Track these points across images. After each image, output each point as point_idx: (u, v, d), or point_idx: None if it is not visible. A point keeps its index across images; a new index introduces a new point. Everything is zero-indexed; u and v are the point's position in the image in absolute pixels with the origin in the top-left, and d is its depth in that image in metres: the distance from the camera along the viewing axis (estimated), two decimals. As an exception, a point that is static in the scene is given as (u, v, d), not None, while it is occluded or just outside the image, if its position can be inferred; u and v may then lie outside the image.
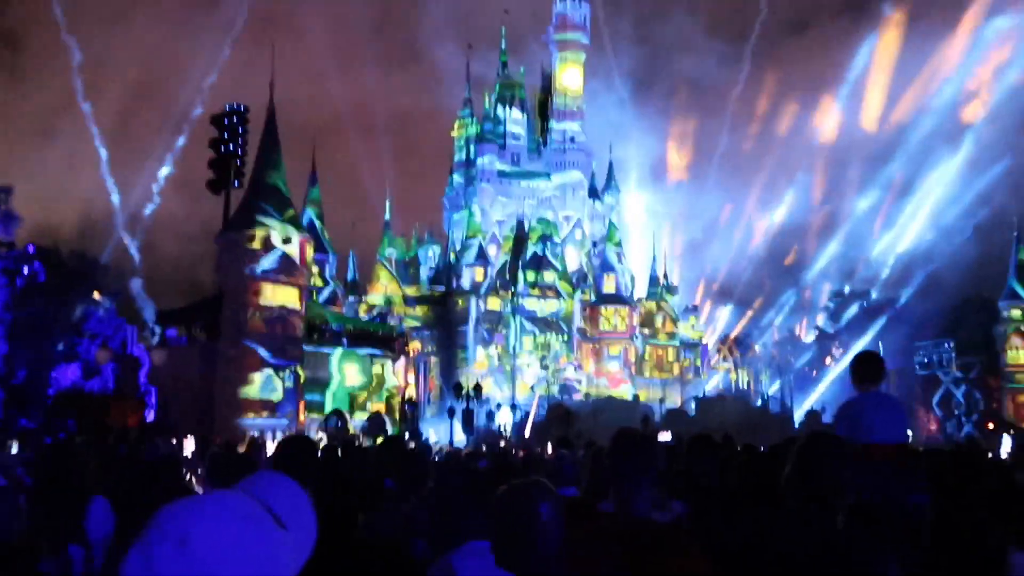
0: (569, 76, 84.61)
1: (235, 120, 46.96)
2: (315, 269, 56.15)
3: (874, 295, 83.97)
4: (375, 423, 49.29)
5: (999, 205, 74.93)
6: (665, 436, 19.26)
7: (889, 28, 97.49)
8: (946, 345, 71.18)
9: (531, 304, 72.46)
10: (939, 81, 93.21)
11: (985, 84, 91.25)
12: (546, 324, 72.37)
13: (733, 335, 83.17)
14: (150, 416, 45.40)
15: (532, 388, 66.44)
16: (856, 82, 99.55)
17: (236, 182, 47.08)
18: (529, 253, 74.63)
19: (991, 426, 61.02)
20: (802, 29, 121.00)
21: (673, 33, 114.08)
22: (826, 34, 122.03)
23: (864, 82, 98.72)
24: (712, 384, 75.54)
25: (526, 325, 71.53)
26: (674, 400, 68.98)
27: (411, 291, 73.37)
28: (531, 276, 73.47)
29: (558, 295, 73.56)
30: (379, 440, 33.62)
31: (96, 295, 50.36)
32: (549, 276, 73.96)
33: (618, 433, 3.58)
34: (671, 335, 78.04)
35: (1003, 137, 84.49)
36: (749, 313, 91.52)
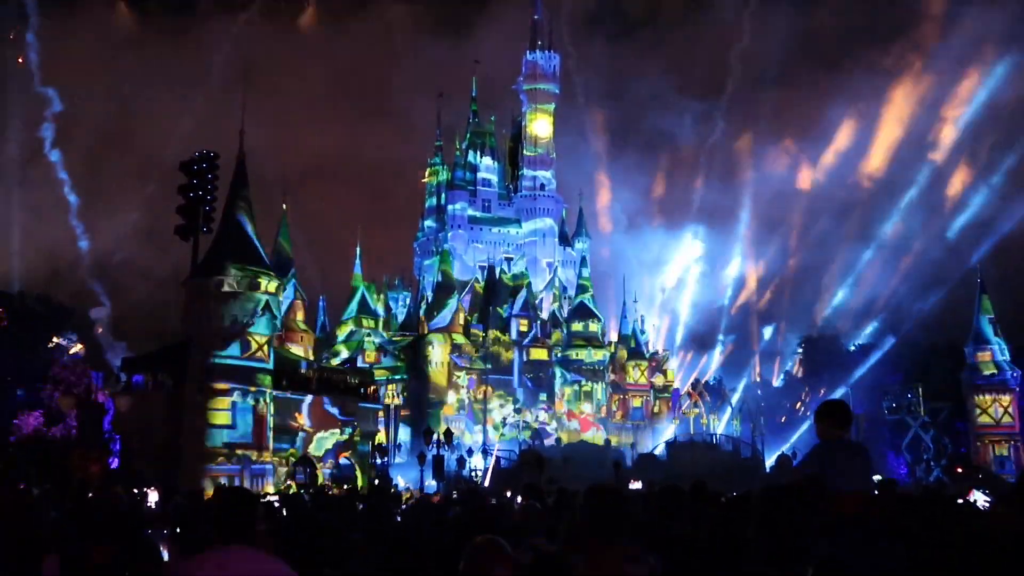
0: (539, 125, 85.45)
1: (205, 166, 46.79)
2: (284, 314, 55.78)
3: (842, 341, 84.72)
4: (344, 470, 48.77)
5: (963, 253, 76.22)
6: (636, 485, 19.17)
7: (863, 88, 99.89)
8: (914, 390, 71.72)
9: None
10: (905, 132, 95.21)
11: (947, 139, 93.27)
12: (479, 369, 72.04)
13: (704, 380, 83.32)
14: (114, 463, 44.65)
15: (498, 426, 66.08)
16: (828, 135, 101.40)
17: (205, 228, 46.79)
18: (504, 301, 74.72)
19: (960, 470, 61.37)
20: (775, 83, 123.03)
21: (645, 86, 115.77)
22: (799, 88, 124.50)
23: (837, 134, 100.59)
24: (682, 429, 75.46)
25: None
26: (645, 445, 68.85)
27: (380, 336, 73.03)
28: (502, 323, 73.55)
29: (508, 341, 73.59)
30: (347, 487, 33.21)
31: (60, 341, 49.77)
32: (524, 323, 74.08)
33: (590, 491, 3.55)
34: (642, 380, 78.05)
35: (968, 185, 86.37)
36: (720, 358, 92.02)
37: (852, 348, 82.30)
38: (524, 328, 74.88)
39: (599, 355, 74.94)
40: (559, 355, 74.51)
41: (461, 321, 72.27)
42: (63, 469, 37.32)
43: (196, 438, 42.71)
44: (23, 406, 51.69)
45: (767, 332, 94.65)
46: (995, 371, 67.66)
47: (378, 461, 52.21)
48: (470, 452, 57.58)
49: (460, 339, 71.55)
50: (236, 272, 44.45)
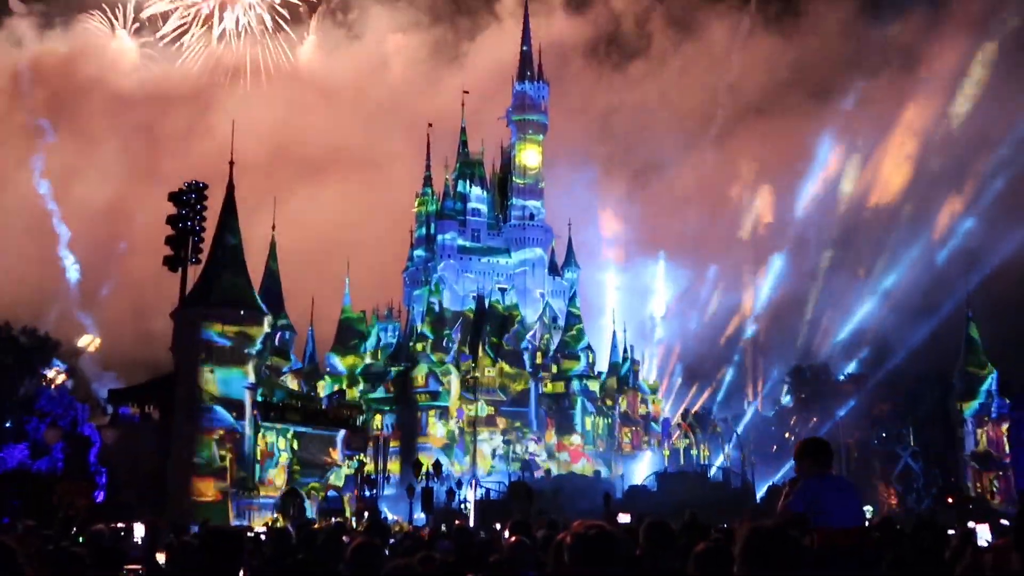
0: (528, 155, 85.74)
1: (193, 197, 46.79)
2: (272, 345, 55.55)
3: (832, 370, 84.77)
4: (332, 503, 48.40)
5: (952, 283, 76.51)
6: (625, 518, 19.02)
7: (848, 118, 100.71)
8: (904, 419, 71.73)
9: (484, 381, 72.44)
10: (894, 161, 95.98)
11: (934, 168, 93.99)
12: (499, 401, 72.09)
13: (694, 410, 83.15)
14: (100, 497, 44.19)
15: (492, 456, 65.98)
16: (818, 166, 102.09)
17: (193, 258, 46.70)
18: (492, 332, 74.71)
19: (951, 500, 61.24)
20: (764, 114, 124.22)
21: (635, 116, 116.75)
22: (789, 119, 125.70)
23: (825, 165, 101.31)
24: (673, 460, 75.21)
25: (474, 400, 71.33)
26: (635, 475, 68.59)
27: (369, 367, 72.79)
28: (492, 355, 73.45)
29: (516, 372, 73.59)
30: (335, 520, 32.87)
31: (46, 372, 49.39)
32: (513, 356, 74.07)
33: (577, 539, 3.50)
34: (632, 410, 77.91)
35: (954, 217, 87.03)
36: (710, 388, 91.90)
37: (841, 378, 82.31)
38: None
39: (560, 387, 74.64)
40: (546, 386, 74.37)
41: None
42: (48, 503, 36.89)
43: (184, 471, 42.40)
44: (8, 438, 51.19)
45: (760, 361, 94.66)
46: (984, 400, 67.77)
47: (367, 493, 51.84)
48: (459, 484, 57.22)
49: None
50: (223, 302, 44.36)
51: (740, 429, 76.56)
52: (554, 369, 75.76)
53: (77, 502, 38.46)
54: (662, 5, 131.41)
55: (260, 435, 45.87)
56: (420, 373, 69.43)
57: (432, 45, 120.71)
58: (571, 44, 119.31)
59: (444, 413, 69.08)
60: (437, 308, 74.32)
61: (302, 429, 48.97)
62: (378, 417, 67.15)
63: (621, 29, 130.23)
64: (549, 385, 74.50)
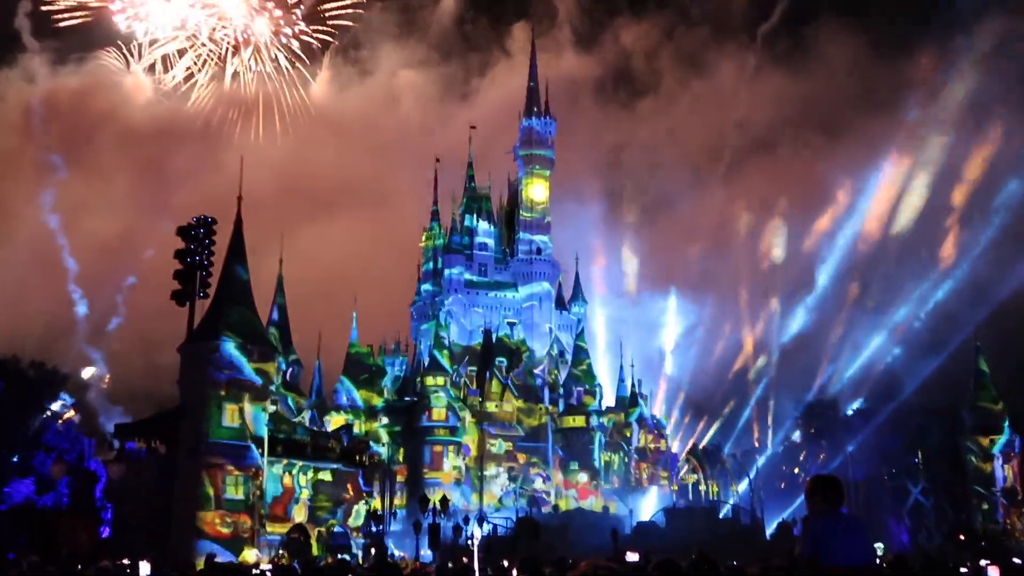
0: (535, 190, 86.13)
1: (202, 232, 47.04)
2: (279, 380, 55.51)
3: (840, 406, 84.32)
4: (339, 539, 48.10)
5: (960, 317, 76.28)
6: (633, 556, 18.86)
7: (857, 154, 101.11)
8: (914, 455, 71.19)
9: (501, 415, 72.29)
10: (901, 197, 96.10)
11: (944, 203, 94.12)
12: (516, 436, 71.88)
13: (702, 445, 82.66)
14: (105, 532, 44.05)
15: (500, 500, 65.60)
16: (825, 200, 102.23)
17: (202, 293, 46.86)
18: (498, 366, 74.63)
19: (962, 538, 60.59)
20: (773, 150, 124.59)
21: (643, 153, 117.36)
22: (798, 155, 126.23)
23: (834, 200, 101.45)
24: (681, 495, 74.69)
25: (494, 435, 71.20)
26: (643, 511, 68.04)
27: (377, 401, 72.62)
28: (499, 387, 73.26)
29: (528, 407, 73.43)
30: (340, 557, 32.69)
31: (53, 407, 49.41)
32: (520, 390, 73.91)
33: None
34: (640, 445, 77.53)
35: (962, 252, 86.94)
36: (717, 423, 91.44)
37: (850, 412, 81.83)
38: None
39: (582, 421, 74.37)
40: (564, 421, 74.08)
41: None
42: (52, 539, 36.79)
43: (189, 507, 42.23)
44: (14, 472, 51.11)
45: (769, 396, 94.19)
46: (994, 436, 67.27)
47: (373, 529, 51.54)
48: (466, 520, 56.84)
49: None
50: (231, 338, 44.39)
51: (756, 466, 75.86)
52: (561, 405, 75.48)
53: (82, 538, 38.41)
54: (671, 43, 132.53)
55: (285, 472, 45.97)
56: (438, 408, 69.15)
57: (442, 82, 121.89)
58: (581, 81, 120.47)
59: (460, 448, 68.72)
60: (446, 342, 74.30)
61: (320, 465, 48.83)
62: (384, 451, 66.89)
63: (630, 67, 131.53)
64: (569, 420, 74.01)
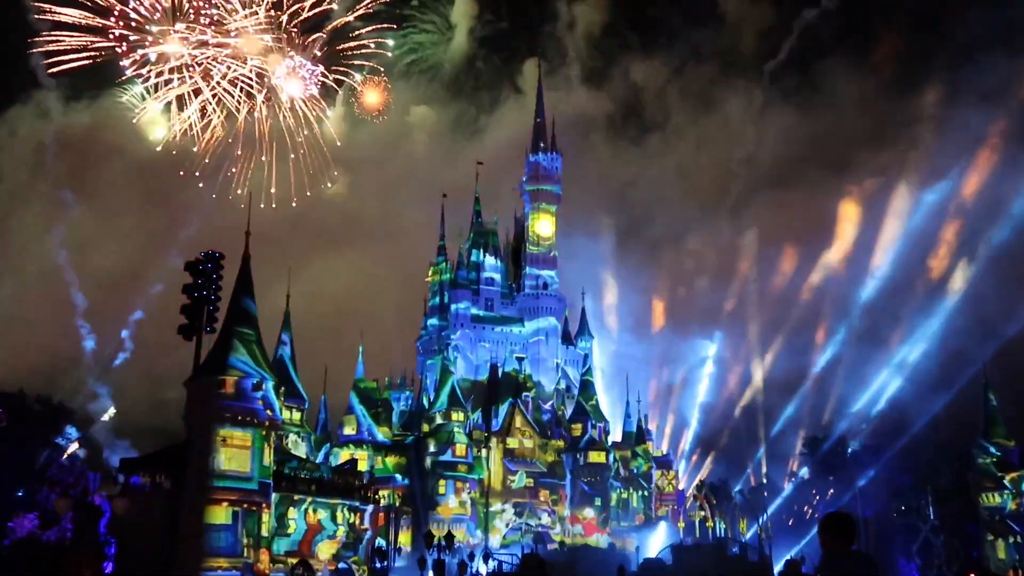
0: (542, 225, 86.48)
1: (209, 267, 47.18)
2: (286, 415, 55.43)
3: (850, 443, 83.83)
4: (343, 574, 47.75)
5: (968, 354, 75.95)
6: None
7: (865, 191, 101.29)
8: (923, 492, 70.60)
9: (522, 451, 72.63)
10: (911, 240, 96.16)
11: (950, 240, 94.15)
12: (538, 472, 71.56)
13: (709, 481, 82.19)
14: (108, 568, 43.75)
15: (505, 535, 65.20)
16: (832, 236, 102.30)
17: (208, 328, 46.89)
18: (507, 402, 74.49)
19: (972, 575, 59.90)
20: (781, 186, 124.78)
21: (651, 189, 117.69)
22: (805, 192, 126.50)
23: (843, 239, 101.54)
24: (688, 531, 74.16)
25: (514, 471, 71.19)
26: (650, 548, 67.47)
27: (382, 436, 72.39)
28: (523, 423, 73.19)
29: (543, 442, 73.27)
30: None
31: (59, 441, 49.34)
32: (526, 427, 73.73)
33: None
34: (647, 481, 77.10)
35: (973, 291, 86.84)
36: (723, 460, 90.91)
37: (859, 449, 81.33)
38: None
39: (602, 457, 74.24)
40: (578, 456, 73.88)
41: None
42: (56, 573, 36.58)
43: (194, 543, 41.97)
44: (19, 507, 50.96)
45: (776, 433, 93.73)
46: (1003, 473, 66.70)
47: (378, 565, 51.13)
48: (472, 556, 56.44)
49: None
50: (238, 373, 44.40)
51: (763, 504, 75.33)
52: (567, 440, 75.25)
53: (86, 573, 38.11)
54: (680, 79, 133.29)
55: (290, 507, 45.91)
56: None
57: (452, 119, 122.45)
58: (590, 118, 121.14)
59: (467, 483, 68.33)
60: (455, 377, 74.25)
61: (325, 500, 48.64)
62: (391, 487, 66.53)
63: (639, 103, 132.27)
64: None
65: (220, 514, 43.06)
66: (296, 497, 47.54)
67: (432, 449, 69.12)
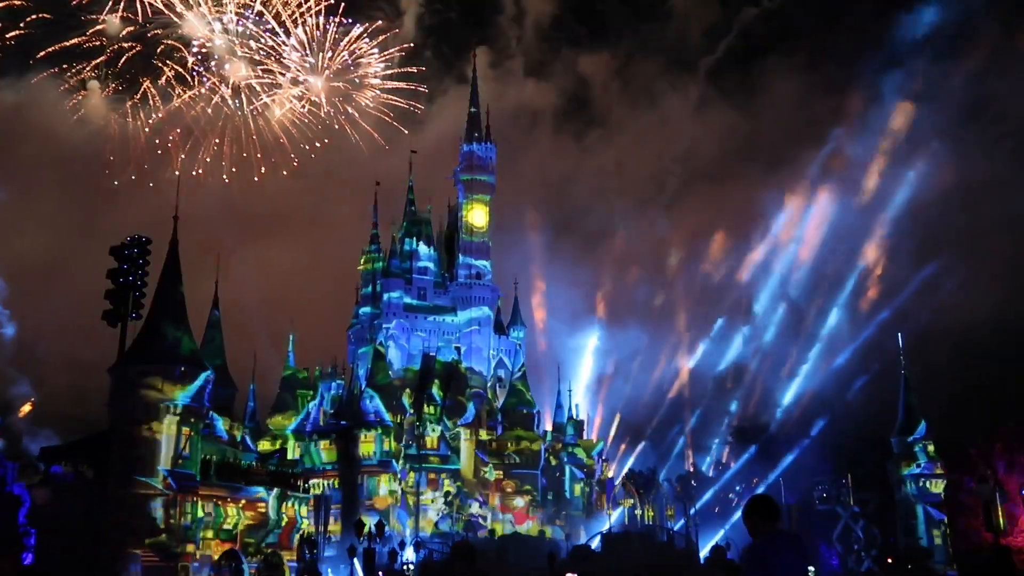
0: (475, 215, 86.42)
1: (136, 251, 46.20)
2: (214, 403, 54.58)
3: (772, 432, 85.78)
4: (271, 565, 47.32)
5: (888, 345, 78.21)
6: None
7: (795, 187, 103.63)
8: (843, 481, 72.57)
9: (503, 445, 73.85)
10: (832, 227, 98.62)
11: (874, 233, 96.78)
12: (451, 459, 71.51)
13: (637, 470, 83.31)
14: (28, 559, 42.69)
15: (436, 524, 65.16)
16: (761, 230, 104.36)
17: (134, 314, 45.94)
18: (437, 391, 74.38)
19: (890, 561, 61.86)
20: (715, 181, 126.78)
21: (589, 182, 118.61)
22: (740, 186, 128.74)
23: (770, 229, 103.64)
24: (617, 519, 75.11)
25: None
26: (580, 536, 68.18)
27: (312, 425, 71.72)
28: (438, 412, 72.98)
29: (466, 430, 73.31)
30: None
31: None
32: (455, 416, 73.80)
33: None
34: (578, 469, 77.78)
35: (888, 289, 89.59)
36: (651, 449, 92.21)
37: (782, 438, 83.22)
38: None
39: (534, 446, 74.80)
40: (494, 444, 74.26)
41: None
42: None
43: (119, 534, 41.19)
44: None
45: (702, 422, 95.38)
46: (920, 461, 68.90)
47: (307, 555, 50.80)
48: (402, 545, 56.38)
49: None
50: (163, 358, 43.67)
51: (680, 487, 76.85)
52: (499, 430, 75.65)
53: (3, 565, 37.18)
54: (622, 74, 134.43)
55: (218, 497, 45.33)
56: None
57: (389, 107, 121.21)
58: (535, 109, 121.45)
59: (404, 474, 68.04)
60: (386, 366, 73.87)
61: (253, 489, 48.05)
62: (319, 478, 66.03)
63: (581, 97, 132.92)
64: (493, 444, 74.25)
65: (144, 504, 42.32)
66: (224, 486, 46.90)
67: (363, 438, 68.68)
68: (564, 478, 75.52)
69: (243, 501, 47.42)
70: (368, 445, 67.88)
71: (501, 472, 72.36)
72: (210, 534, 45.25)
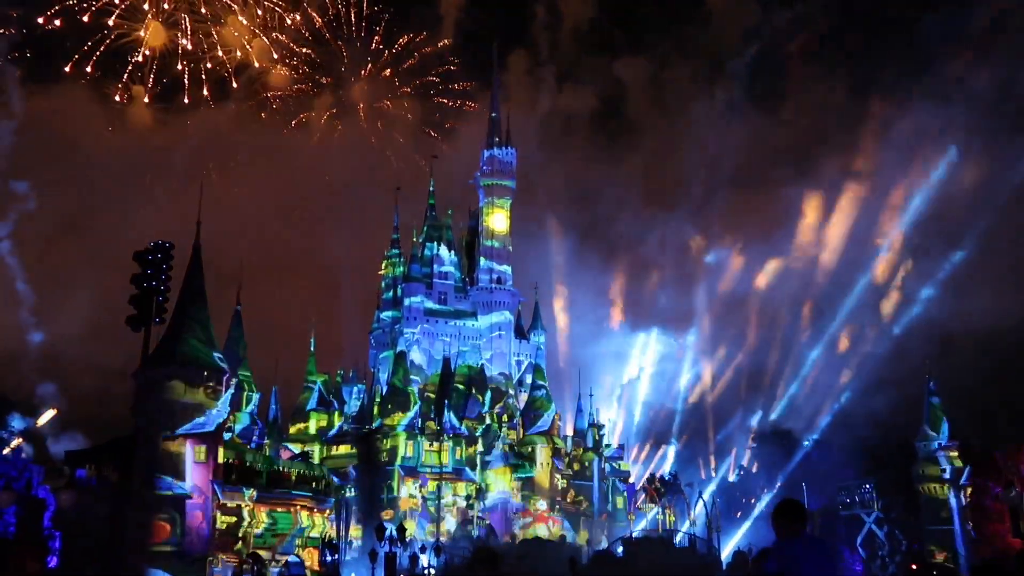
0: (496, 219, 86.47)
1: (159, 256, 46.46)
2: (236, 407, 54.89)
3: (796, 436, 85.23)
4: (293, 568, 47.44)
5: (914, 351, 77.61)
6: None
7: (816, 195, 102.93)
8: (867, 485, 71.99)
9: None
10: (856, 233, 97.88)
11: (896, 239, 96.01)
12: (472, 464, 71.56)
13: (659, 474, 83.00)
14: (53, 562, 43.02)
15: (454, 529, 65.27)
16: (785, 237, 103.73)
17: (157, 319, 46.18)
18: (457, 396, 74.51)
19: (915, 567, 61.23)
20: (735, 187, 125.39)
21: (614, 188, 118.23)
22: (758, 192, 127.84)
23: (793, 236, 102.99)
24: (639, 524, 74.85)
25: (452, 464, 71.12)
26: (601, 540, 67.96)
27: (335, 429, 71.98)
28: (457, 417, 73.09)
29: (485, 433, 73.35)
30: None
31: (2, 433, 48.27)
32: (476, 419, 73.88)
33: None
34: (599, 474, 77.65)
35: (913, 294, 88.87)
36: (674, 452, 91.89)
37: (805, 443, 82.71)
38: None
39: (550, 452, 74.72)
40: (516, 448, 74.14)
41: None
42: (-1, 568, 35.92)
43: (141, 536, 41.43)
44: (-41, 501, 49.80)
45: (726, 427, 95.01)
46: (945, 467, 68.25)
47: (328, 558, 50.87)
48: (423, 549, 56.38)
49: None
50: (187, 363, 43.90)
51: (713, 495, 76.41)
52: (520, 432, 75.56)
53: (29, 567, 37.44)
54: (654, 82, 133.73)
55: (241, 500, 45.40)
56: (385, 435, 68.78)
57: (418, 113, 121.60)
58: (566, 115, 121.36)
59: (425, 479, 68.10)
60: (408, 370, 74.05)
61: (276, 493, 48.21)
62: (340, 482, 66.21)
63: (614, 103, 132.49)
64: (515, 447, 74.16)
65: (169, 508, 42.56)
66: (247, 491, 47.07)
67: (385, 443, 68.86)
68: (592, 484, 75.25)
69: (266, 505, 47.60)
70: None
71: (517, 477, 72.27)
72: (233, 537, 45.45)
